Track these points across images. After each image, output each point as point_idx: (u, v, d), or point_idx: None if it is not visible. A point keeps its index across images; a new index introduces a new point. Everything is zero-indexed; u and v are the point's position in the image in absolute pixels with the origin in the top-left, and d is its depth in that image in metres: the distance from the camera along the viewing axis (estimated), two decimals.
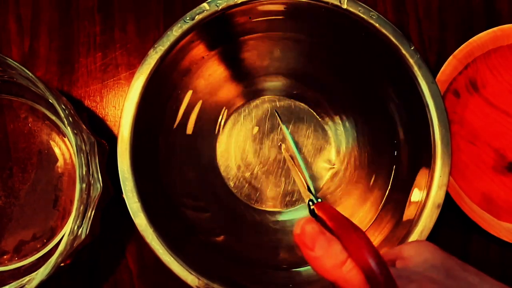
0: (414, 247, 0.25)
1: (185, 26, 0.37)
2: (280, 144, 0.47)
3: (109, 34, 0.50)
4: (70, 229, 0.36)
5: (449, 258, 0.25)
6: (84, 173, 0.37)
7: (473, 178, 0.48)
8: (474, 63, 0.49)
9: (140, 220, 0.35)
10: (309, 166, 0.47)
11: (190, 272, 0.35)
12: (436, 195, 0.36)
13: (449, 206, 0.45)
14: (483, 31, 0.48)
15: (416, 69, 0.37)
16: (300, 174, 0.38)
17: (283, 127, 0.46)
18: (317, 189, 0.47)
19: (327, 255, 0.23)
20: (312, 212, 0.31)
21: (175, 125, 0.44)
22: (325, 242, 0.23)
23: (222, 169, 0.47)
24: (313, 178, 0.47)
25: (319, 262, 0.23)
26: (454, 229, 0.48)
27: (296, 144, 0.47)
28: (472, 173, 0.48)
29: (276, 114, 0.47)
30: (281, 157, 0.47)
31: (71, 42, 0.49)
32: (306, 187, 0.36)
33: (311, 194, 0.35)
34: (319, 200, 0.32)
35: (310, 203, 0.32)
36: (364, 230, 0.42)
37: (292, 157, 0.44)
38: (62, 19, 0.50)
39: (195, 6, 0.38)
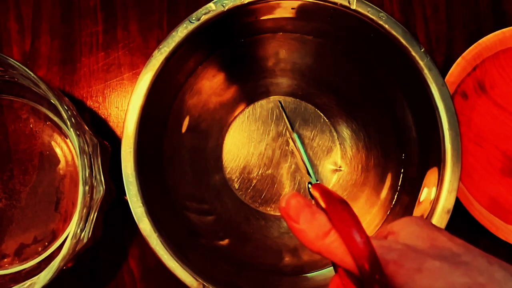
0: (403, 221, 0.25)
1: (191, 27, 0.36)
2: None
3: (111, 33, 0.49)
4: (73, 233, 0.36)
5: (437, 230, 0.24)
6: (87, 175, 0.37)
7: (481, 181, 0.48)
8: (483, 64, 0.48)
9: (145, 225, 0.35)
10: (312, 160, 0.46)
11: (195, 278, 0.34)
12: (446, 200, 0.36)
13: (456, 209, 0.44)
14: (490, 32, 0.47)
15: (426, 71, 0.36)
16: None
17: (282, 111, 0.46)
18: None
19: (311, 227, 0.23)
20: (311, 194, 0.31)
21: (179, 127, 0.44)
22: (309, 214, 0.24)
23: (227, 171, 0.46)
24: (320, 180, 0.46)
25: (304, 233, 0.24)
26: (461, 232, 0.47)
27: (297, 132, 0.46)
28: (479, 175, 0.48)
29: (279, 104, 0.46)
30: (286, 158, 0.46)
31: (73, 41, 0.49)
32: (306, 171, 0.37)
33: (310, 177, 0.36)
34: (318, 182, 0.32)
35: (309, 185, 0.32)
36: (371, 234, 0.42)
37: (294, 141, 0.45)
38: (64, 18, 0.49)
39: (199, 4, 0.37)
